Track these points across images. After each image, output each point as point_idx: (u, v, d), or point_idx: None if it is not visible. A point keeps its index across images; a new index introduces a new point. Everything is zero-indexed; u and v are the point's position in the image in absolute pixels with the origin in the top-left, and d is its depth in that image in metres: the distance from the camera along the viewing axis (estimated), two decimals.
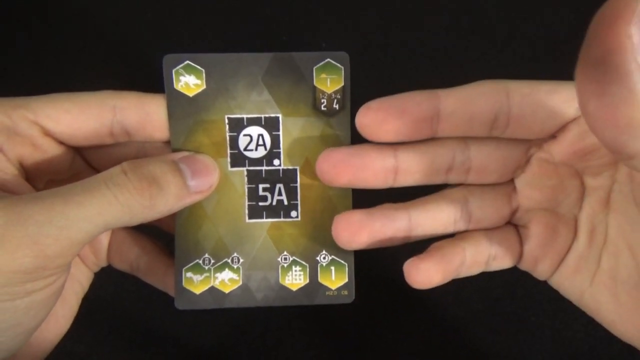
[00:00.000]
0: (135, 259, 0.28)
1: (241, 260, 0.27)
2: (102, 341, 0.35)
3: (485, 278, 0.35)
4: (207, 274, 0.27)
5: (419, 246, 0.31)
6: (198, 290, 0.27)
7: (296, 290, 0.27)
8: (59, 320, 0.27)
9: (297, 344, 0.35)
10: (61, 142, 0.26)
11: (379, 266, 0.34)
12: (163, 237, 0.29)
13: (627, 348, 0.23)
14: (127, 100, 0.25)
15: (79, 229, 0.21)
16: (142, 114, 0.26)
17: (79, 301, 0.28)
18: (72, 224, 0.21)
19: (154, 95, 0.26)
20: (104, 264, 0.29)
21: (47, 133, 0.25)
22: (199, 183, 0.25)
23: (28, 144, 0.25)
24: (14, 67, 0.40)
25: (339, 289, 0.27)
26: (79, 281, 0.28)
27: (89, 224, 0.21)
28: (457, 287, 0.36)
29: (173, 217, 0.27)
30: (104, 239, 0.28)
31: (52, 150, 0.26)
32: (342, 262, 0.27)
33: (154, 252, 0.28)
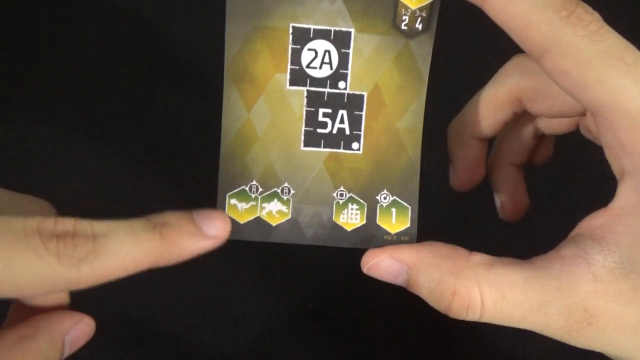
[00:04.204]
0: None
1: (292, 192, 0.24)
2: (100, 341, 0.32)
3: None
4: (254, 203, 0.24)
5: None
6: (242, 219, 0.24)
7: (351, 231, 0.24)
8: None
9: (297, 344, 0.34)
10: None
11: None
12: None
13: None
14: None
15: None
16: None
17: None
18: None
19: None
20: None
21: None
22: None
23: None
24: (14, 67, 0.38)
25: (398, 234, 0.24)
26: None
27: None
28: None
29: None
30: None
31: None
32: (406, 204, 0.24)
33: None
